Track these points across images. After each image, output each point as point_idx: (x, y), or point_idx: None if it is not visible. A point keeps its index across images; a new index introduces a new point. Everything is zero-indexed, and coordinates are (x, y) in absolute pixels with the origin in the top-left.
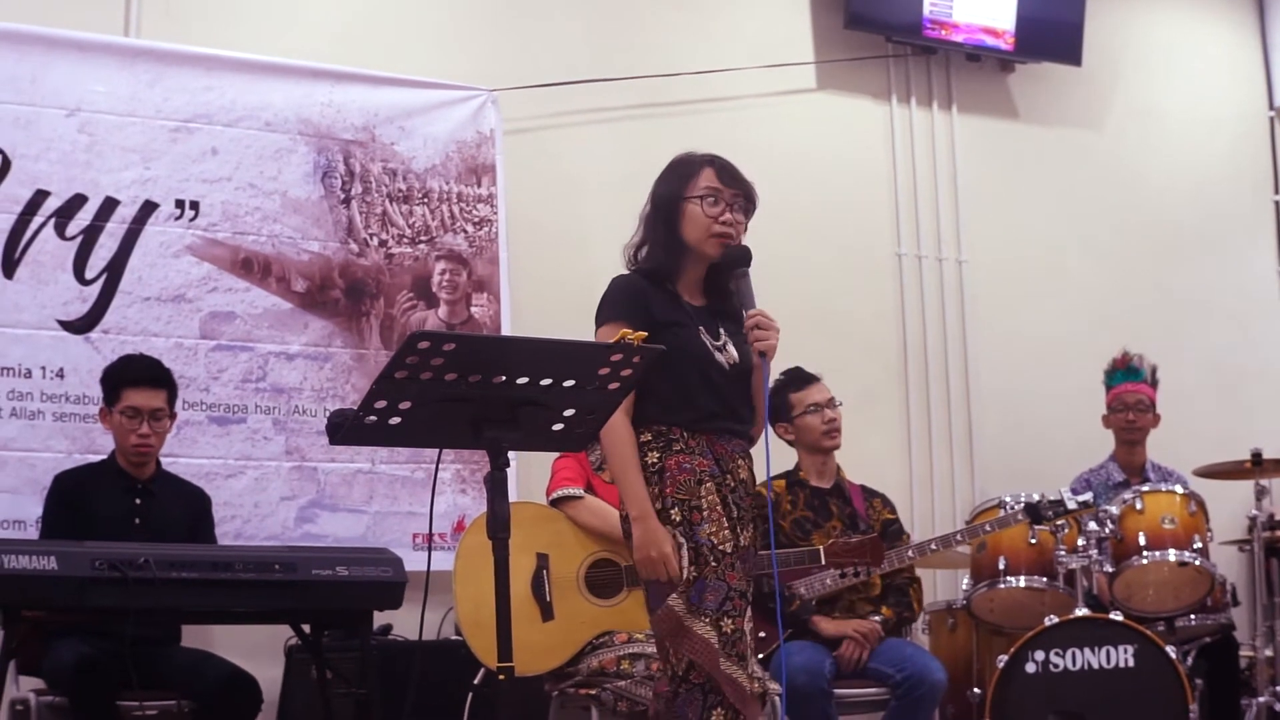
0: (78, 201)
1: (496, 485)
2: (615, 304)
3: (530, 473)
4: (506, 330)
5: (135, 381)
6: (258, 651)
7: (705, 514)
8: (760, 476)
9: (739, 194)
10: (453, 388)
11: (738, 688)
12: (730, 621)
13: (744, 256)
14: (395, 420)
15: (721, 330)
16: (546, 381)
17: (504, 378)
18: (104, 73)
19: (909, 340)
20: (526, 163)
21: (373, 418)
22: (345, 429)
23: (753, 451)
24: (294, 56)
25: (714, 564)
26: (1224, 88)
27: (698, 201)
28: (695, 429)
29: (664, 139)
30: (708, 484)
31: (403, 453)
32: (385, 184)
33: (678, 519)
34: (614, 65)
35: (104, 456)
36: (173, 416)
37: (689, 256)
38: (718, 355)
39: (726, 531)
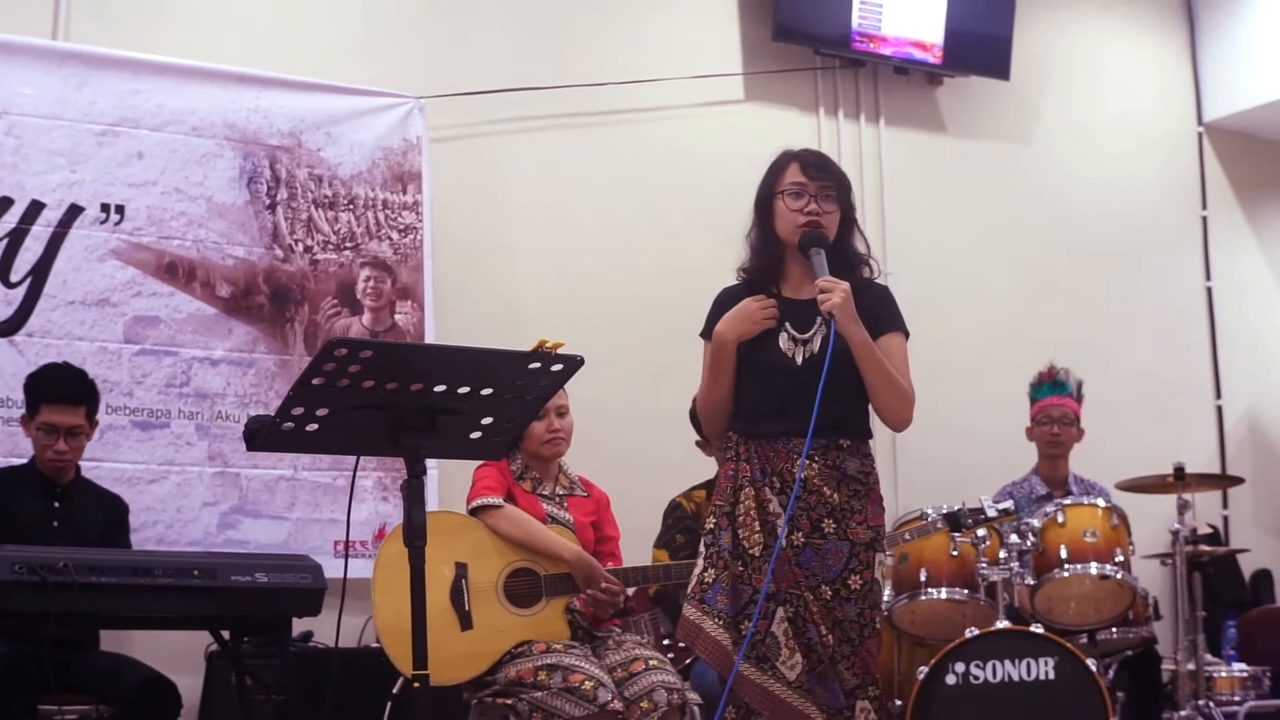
0: (3, 204)
1: (413, 493)
2: (707, 319)
3: (453, 482)
4: (430, 338)
5: (53, 399)
6: (179, 657)
7: (740, 519)
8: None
9: (826, 184)
10: (370, 395)
11: (755, 688)
12: (749, 623)
13: (815, 239)
14: (312, 427)
15: (818, 319)
16: (464, 389)
17: (421, 385)
18: (31, 75)
19: None
20: (453, 171)
21: (290, 424)
22: (262, 435)
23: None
24: (222, 61)
25: (742, 568)
26: (1153, 103)
27: (783, 197)
28: (748, 434)
29: (592, 149)
30: (746, 489)
31: (325, 460)
32: (311, 190)
33: (712, 524)
34: (542, 74)
35: (27, 460)
36: (94, 425)
37: (788, 251)
38: (791, 352)
39: (757, 535)
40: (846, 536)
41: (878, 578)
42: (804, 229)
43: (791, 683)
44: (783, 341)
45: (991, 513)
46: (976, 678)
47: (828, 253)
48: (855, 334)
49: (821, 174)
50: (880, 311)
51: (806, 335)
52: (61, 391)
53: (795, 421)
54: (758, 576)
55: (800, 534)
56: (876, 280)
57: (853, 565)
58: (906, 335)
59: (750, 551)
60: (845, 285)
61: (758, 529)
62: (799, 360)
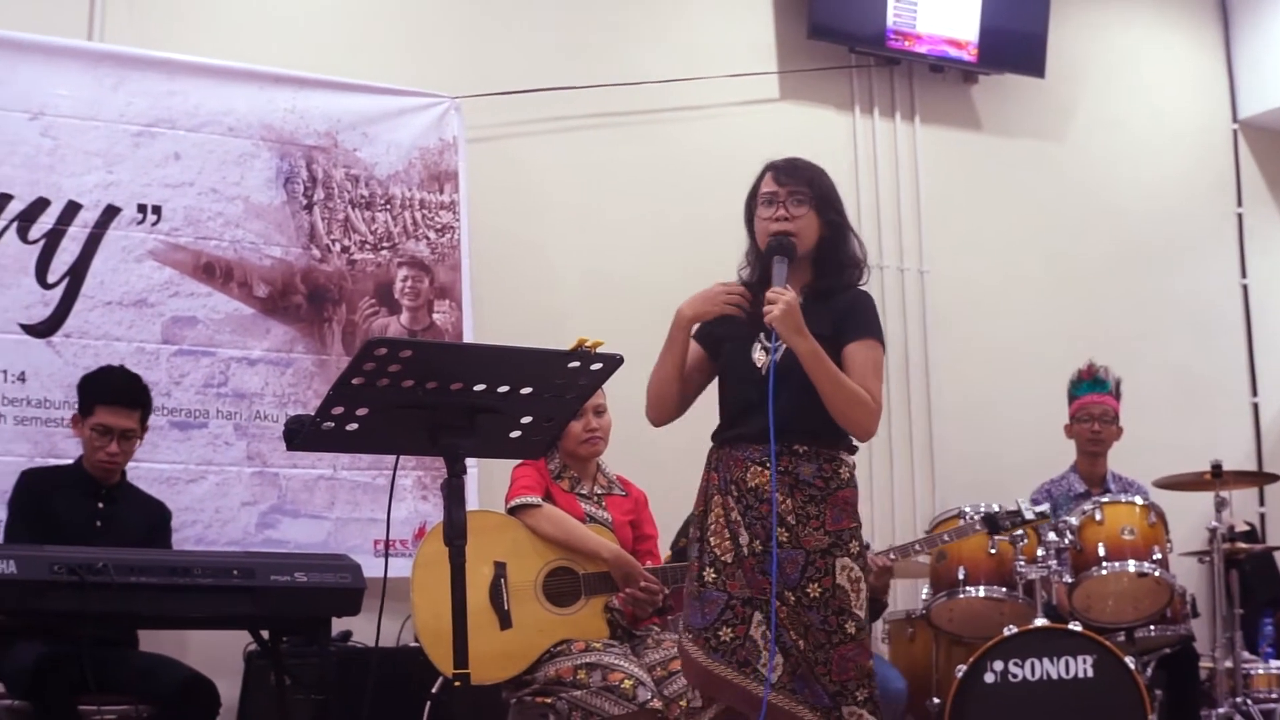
0: (40, 205)
1: (453, 492)
2: None
3: (493, 482)
4: (468, 337)
5: (110, 400)
6: (218, 657)
7: (711, 528)
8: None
9: (796, 189)
10: (409, 394)
11: (738, 691)
12: (730, 630)
13: (778, 246)
14: (352, 426)
15: None
16: (504, 389)
17: (461, 385)
18: (68, 76)
19: None
20: (489, 170)
21: (330, 424)
22: (302, 435)
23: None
24: (257, 61)
25: (715, 575)
26: (1188, 100)
27: (758, 207)
28: (719, 442)
29: (626, 148)
30: (715, 497)
31: (364, 459)
32: (348, 190)
33: (696, 534)
34: (577, 74)
35: (66, 460)
36: (144, 430)
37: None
38: (760, 362)
39: (728, 542)
40: (800, 544)
41: (842, 584)
42: (771, 237)
43: (774, 685)
44: (755, 351)
45: (1029, 515)
46: (1015, 676)
47: (813, 258)
48: (799, 345)
49: (790, 178)
50: (849, 319)
51: (775, 345)
52: (119, 394)
53: (752, 429)
54: (732, 583)
55: (758, 541)
56: (861, 286)
57: (809, 573)
58: (880, 343)
59: (722, 559)
60: (789, 297)
61: (727, 536)
62: (764, 370)
